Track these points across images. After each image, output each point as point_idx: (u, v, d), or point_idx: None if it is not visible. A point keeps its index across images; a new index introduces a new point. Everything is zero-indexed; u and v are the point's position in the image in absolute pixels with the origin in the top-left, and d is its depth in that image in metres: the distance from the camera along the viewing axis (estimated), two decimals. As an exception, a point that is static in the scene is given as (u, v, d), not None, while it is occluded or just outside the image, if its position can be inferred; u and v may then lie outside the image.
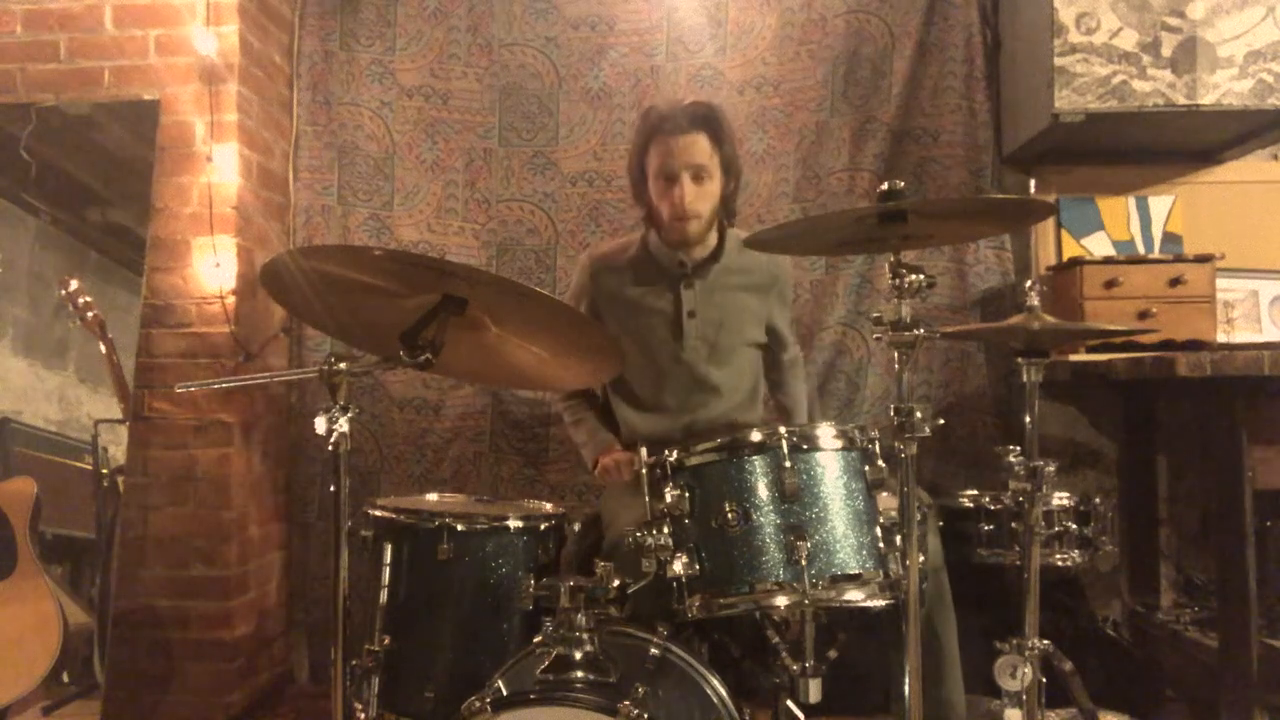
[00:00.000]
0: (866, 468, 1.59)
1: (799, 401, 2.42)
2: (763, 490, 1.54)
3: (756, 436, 1.57)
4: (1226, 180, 2.85)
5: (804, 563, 1.47)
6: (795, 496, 1.52)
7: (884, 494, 1.61)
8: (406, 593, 1.77)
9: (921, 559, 1.54)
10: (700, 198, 2.05)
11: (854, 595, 1.51)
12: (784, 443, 1.55)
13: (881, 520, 1.57)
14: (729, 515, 1.52)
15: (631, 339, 2.19)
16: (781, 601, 1.49)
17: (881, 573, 1.53)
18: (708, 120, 2.04)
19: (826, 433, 1.59)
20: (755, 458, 1.56)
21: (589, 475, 2.90)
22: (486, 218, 3.01)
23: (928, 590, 1.86)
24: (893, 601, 1.52)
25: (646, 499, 1.60)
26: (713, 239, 2.19)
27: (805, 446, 1.56)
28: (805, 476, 1.54)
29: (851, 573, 1.51)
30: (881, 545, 1.55)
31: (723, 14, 2.97)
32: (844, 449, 1.59)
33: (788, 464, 1.53)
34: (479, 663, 1.68)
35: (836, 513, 1.54)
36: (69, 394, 2.76)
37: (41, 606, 2.51)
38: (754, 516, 1.53)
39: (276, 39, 2.95)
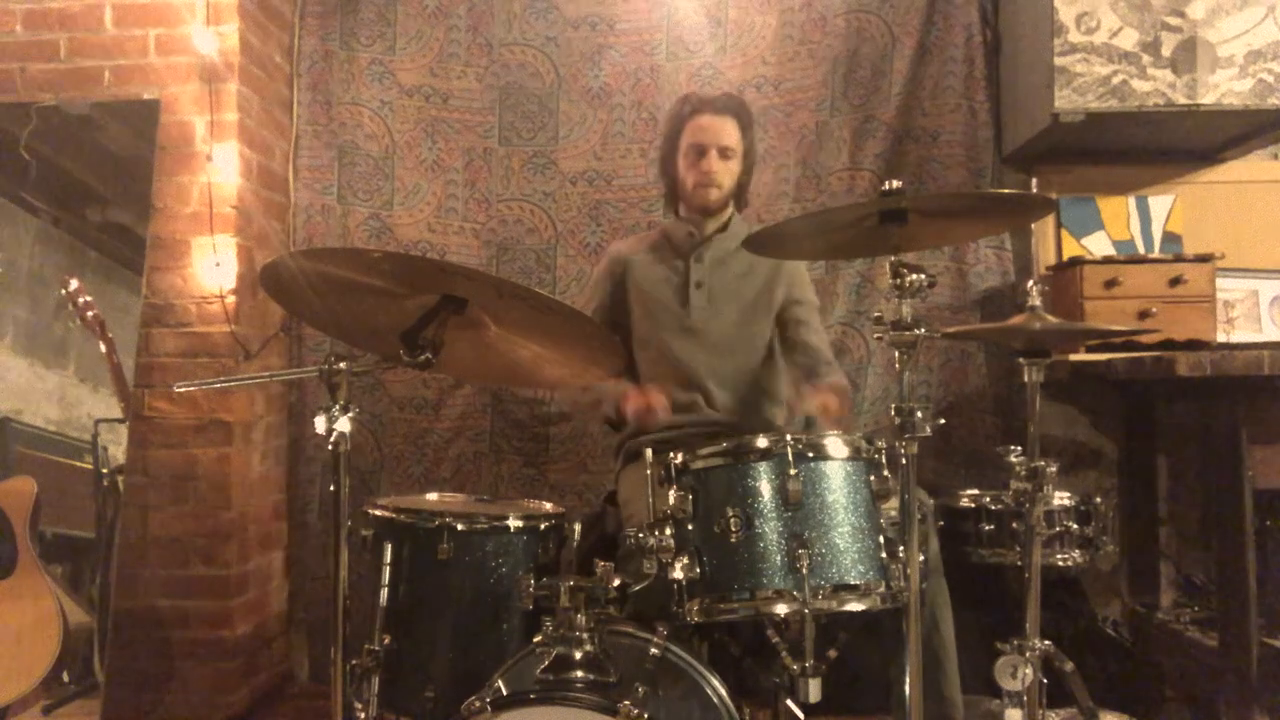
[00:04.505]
0: (872, 478, 1.58)
1: (820, 350, 2.33)
2: (766, 497, 1.53)
3: (762, 442, 1.56)
4: (1226, 180, 2.85)
5: (805, 572, 1.46)
6: (799, 504, 1.51)
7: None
8: (406, 592, 1.77)
9: (921, 558, 1.54)
10: (724, 171, 2.27)
11: (855, 606, 1.50)
12: (789, 450, 1.53)
13: (883, 524, 1.57)
14: (731, 521, 1.51)
15: (642, 313, 2.30)
16: (782, 610, 1.48)
17: (884, 584, 1.52)
18: (739, 109, 2.29)
19: (833, 442, 1.58)
20: (760, 464, 1.55)
21: (588, 475, 2.91)
22: (486, 217, 3.01)
23: (927, 591, 1.86)
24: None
25: (650, 500, 1.60)
26: (725, 215, 2.36)
27: (811, 455, 1.55)
28: (809, 485, 1.53)
29: (853, 583, 1.51)
30: (884, 555, 1.54)
31: (722, 13, 2.96)
32: (850, 459, 1.58)
33: (792, 471, 1.51)
34: (479, 663, 1.68)
35: (840, 522, 1.52)
36: (69, 393, 2.76)
37: (42, 606, 2.51)
38: (756, 523, 1.52)
39: (276, 38, 2.94)
